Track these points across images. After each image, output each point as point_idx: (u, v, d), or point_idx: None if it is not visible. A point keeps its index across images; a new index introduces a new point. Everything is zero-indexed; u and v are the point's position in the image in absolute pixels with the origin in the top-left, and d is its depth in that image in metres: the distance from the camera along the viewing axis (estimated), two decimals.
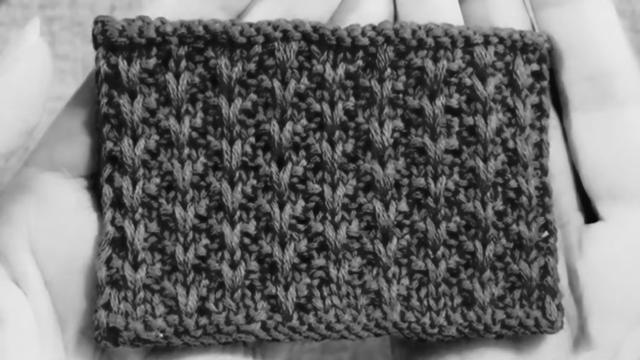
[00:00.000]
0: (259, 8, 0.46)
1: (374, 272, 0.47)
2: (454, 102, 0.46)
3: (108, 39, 0.44)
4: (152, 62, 0.45)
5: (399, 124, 0.46)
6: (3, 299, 0.44)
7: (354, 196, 0.46)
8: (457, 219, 0.47)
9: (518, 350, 0.48)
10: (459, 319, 0.47)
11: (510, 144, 0.47)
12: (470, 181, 0.47)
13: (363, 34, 0.45)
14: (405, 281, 0.47)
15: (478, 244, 0.47)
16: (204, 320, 0.45)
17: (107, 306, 0.45)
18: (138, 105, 0.45)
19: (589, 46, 0.47)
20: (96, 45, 0.45)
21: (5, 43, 0.72)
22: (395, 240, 0.47)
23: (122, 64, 0.45)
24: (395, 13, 0.48)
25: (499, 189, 0.47)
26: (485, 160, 0.47)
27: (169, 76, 0.45)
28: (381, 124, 0.46)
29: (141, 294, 0.45)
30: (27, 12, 0.73)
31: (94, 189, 0.47)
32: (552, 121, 0.49)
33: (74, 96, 0.47)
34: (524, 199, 0.47)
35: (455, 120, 0.47)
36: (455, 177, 0.47)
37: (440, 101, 0.46)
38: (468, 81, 0.46)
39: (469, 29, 0.46)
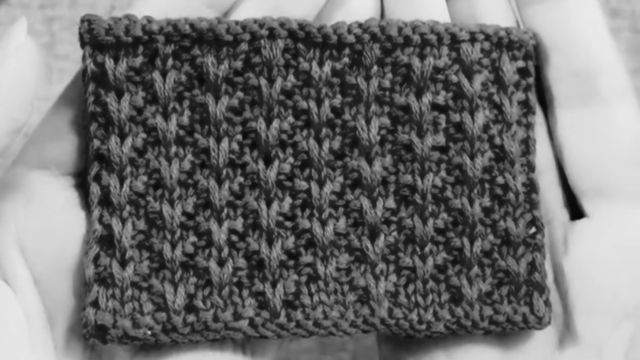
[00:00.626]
0: (246, 6, 0.46)
1: (362, 268, 0.47)
2: (440, 99, 0.46)
3: (94, 38, 0.45)
4: (139, 60, 0.45)
5: (386, 121, 0.46)
6: None
7: (341, 193, 0.46)
8: (445, 215, 0.47)
9: (504, 347, 0.48)
10: (446, 315, 0.47)
11: (497, 141, 0.47)
12: (457, 178, 0.47)
13: (349, 31, 0.45)
14: (393, 278, 0.47)
15: (465, 241, 0.47)
16: (191, 318, 0.46)
17: (95, 304, 0.45)
18: (125, 103, 0.45)
19: (573, 43, 0.47)
20: (83, 44, 0.45)
21: None
22: (382, 237, 0.47)
23: (109, 63, 0.45)
24: (382, 10, 0.48)
25: (486, 185, 0.47)
26: (472, 157, 0.47)
27: (156, 74, 0.45)
28: (368, 121, 0.46)
29: (129, 292, 0.45)
30: (27, 12, 0.73)
31: (82, 187, 0.47)
32: (538, 118, 0.49)
33: (61, 95, 0.47)
34: (511, 195, 0.47)
35: (442, 117, 0.47)
36: (442, 173, 0.47)
37: (426, 98, 0.46)
38: (454, 78, 0.46)
39: (455, 25, 0.46)
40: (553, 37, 0.47)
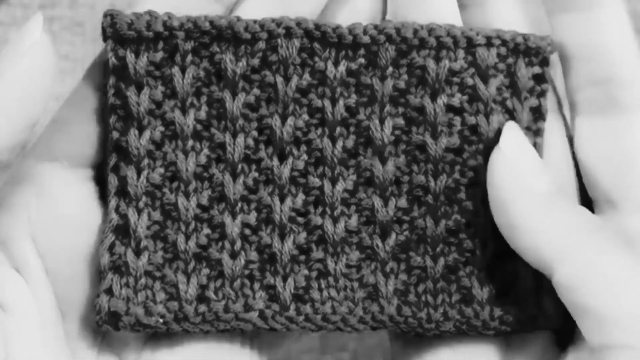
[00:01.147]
0: (251, 1, 0.47)
1: (372, 266, 0.47)
2: (455, 101, 0.47)
3: (117, 32, 0.45)
4: (159, 55, 0.46)
5: (400, 121, 0.47)
6: (5, 286, 0.45)
7: (353, 191, 0.47)
8: (457, 217, 0.47)
9: (508, 346, 0.49)
10: (456, 315, 0.47)
11: None
12: (471, 180, 0.47)
13: (365, 32, 0.46)
14: (403, 276, 0.48)
15: (477, 242, 0.47)
16: (203, 308, 0.46)
17: (109, 291, 0.46)
18: (144, 97, 0.46)
19: (598, 52, 0.47)
20: (105, 38, 0.46)
21: (5, 43, 0.72)
22: (394, 235, 0.47)
23: (130, 57, 0.45)
24: (384, 10, 0.49)
25: None
26: (485, 160, 0.47)
27: (175, 70, 0.46)
28: (382, 121, 0.47)
29: (142, 280, 0.46)
30: (27, 12, 0.73)
31: (96, 180, 0.47)
32: (559, 124, 0.49)
33: (74, 89, 0.47)
34: None
35: (457, 119, 0.47)
36: (456, 175, 0.47)
37: (441, 100, 0.47)
38: (470, 81, 0.47)
39: (471, 30, 0.47)
40: (578, 45, 0.48)
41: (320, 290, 0.47)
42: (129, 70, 0.45)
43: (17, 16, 0.73)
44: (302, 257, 0.47)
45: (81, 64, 0.72)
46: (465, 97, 0.47)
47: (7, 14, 0.72)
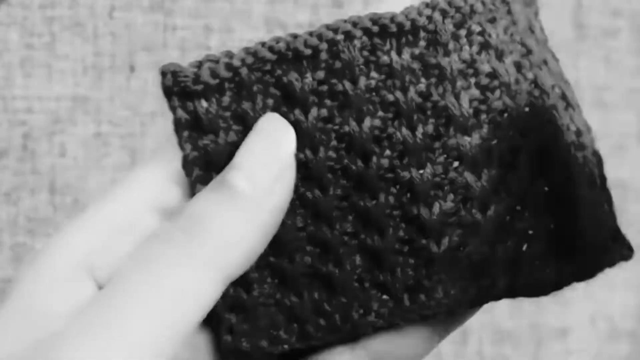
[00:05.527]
0: None
1: (476, 242, 0.47)
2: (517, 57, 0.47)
3: (183, 89, 0.44)
4: (227, 98, 0.45)
5: (475, 92, 0.46)
6: None
7: (445, 172, 0.46)
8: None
9: None
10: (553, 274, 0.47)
11: None
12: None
13: (420, 14, 0.45)
14: (510, 243, 0.47)
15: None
16: (322, 322, 0.47)
17: (230, 330, 0.46)
18: (222, 141, 0.45)
19: None
20: (169, 95, 0.45)
21: (5, 43, 0.71)
22: (493, 207, 0.47)
23: (200, 107, 0.44)
24: None
25: None
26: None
27: (247, 105, 0.45)
28: (457, 97, 0.46)
29: (259, 311, 0.46)
30: (27, 12, 0.72)
31: None
32: None
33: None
34: None
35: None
36: None
37: (509, 59, 0.46)
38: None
39: None
40: None
41: (429, 277, 0.47)
42: (201, 120, 0.44)
43: (17, 16, 0.72)
44: (405, 248, 0.47)
45: (81, 64, 0.71)
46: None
47: (8, 14, 0.71)
